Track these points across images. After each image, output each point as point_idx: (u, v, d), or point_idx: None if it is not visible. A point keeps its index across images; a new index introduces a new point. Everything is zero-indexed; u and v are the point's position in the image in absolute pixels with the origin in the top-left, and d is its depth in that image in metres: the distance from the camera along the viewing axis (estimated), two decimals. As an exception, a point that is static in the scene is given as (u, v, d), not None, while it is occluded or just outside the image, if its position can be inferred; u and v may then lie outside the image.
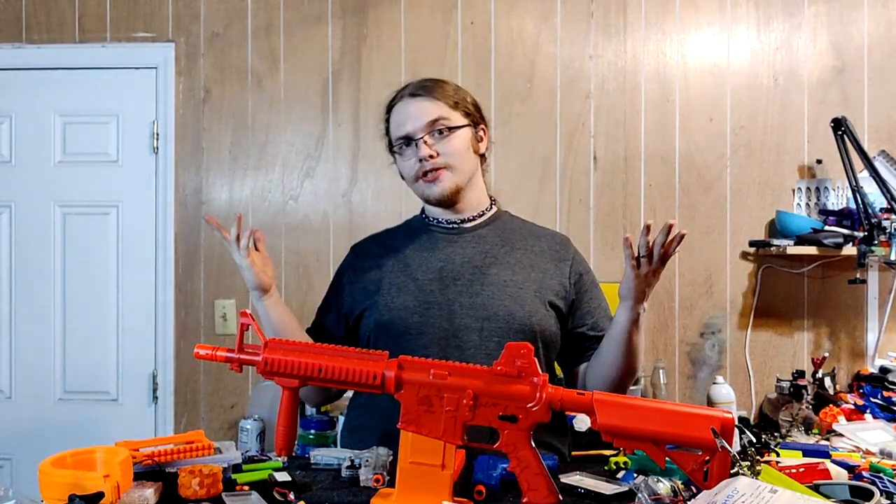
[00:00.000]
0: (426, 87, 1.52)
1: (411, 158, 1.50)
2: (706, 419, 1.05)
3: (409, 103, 1.51)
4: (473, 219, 1.56)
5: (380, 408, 1.44)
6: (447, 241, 1.54)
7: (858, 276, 2.44)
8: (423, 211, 1.61)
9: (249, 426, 2.34)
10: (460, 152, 1.50)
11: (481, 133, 1.57)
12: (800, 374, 2.46)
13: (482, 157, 1.58)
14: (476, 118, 1.55)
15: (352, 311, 1.55)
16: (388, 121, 1.57)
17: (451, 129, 1.49)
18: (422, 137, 1.48)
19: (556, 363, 1.58)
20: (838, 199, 2.73)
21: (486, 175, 1.63)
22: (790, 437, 2.17)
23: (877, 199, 2.53)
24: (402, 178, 1.59)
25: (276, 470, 1.25)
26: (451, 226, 1.55)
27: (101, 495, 1.02)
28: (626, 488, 1.16)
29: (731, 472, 1.04)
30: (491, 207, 1.59)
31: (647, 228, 1.28)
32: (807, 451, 1.42)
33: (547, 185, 2.84)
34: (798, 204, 2.78)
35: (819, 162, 2.77)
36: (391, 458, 1.23)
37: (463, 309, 1.46)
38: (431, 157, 1.47)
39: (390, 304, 1.48)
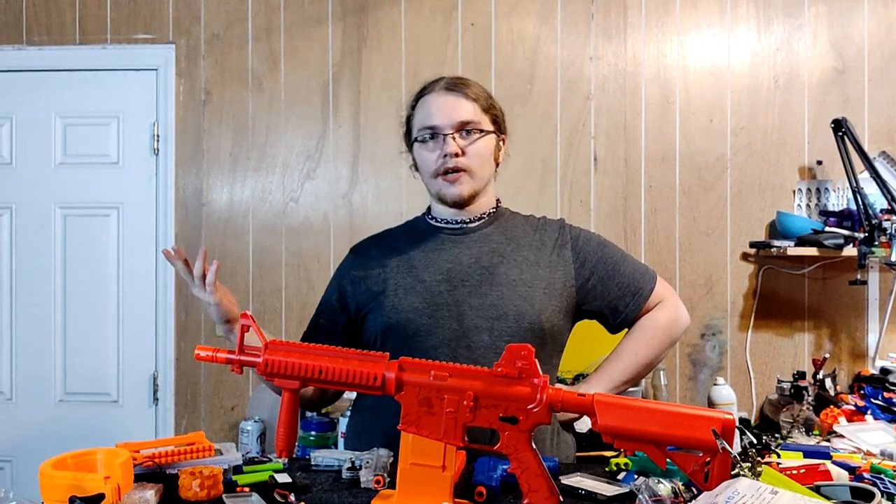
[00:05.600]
0: (462, 85, 1.50)
1: (434, 152, 1.48)
2: (707, 420, 1.05)
3: (444, 96, 1.48)
4: (479, 218, 1.55)
5: (385, 410, 1.43)
6: (453, 242, 1.53)
7: (859, 277, 2.44)
8: (428, 210, 1.60)
9: (250, 427, 2.35)
10: (484, 157, 1.50)
11: (501, 143, 1.57)
12: (800, 375, 2.46)
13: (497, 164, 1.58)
14: (501, 126, 1.55)
15: (357, 313, 1.54)
16: (413, 109, 1.54)
17: (481, 131, 1.49)
18: (450, 134, 1.46)
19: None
20: (839, 200, 2.73)
21: (495, 180, 1.63)
22: (791, 438, 2.17)
23: (877, 200, 2.53)
24: (416, 169, 1.57)
25: (277, 471, 1.25)
26: (457, 226, 1.54)
27: (101, 497, 1.02)
28: (627, 489, 1.16)
29: (732, 473, 1.04)
30: (496, 207, 1.59)
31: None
32: (807, 453, 1.41)
33: (547, 186, 2.84)
34: (798, 205, 2.78)
35: (819, 163, 2.77)
36: (392, 459, 1.23)
37: (472, 310, 1.45)
38: (457, 154, 1.46)
39: (398, 306, 1.47)
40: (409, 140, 1.55)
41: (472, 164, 1.48)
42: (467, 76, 1.62)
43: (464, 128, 1.47)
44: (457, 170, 1.47)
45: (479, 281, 1.47)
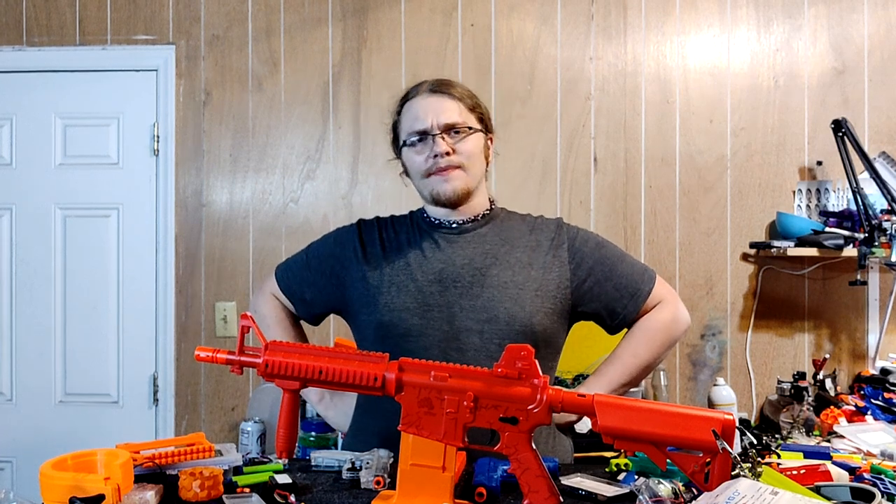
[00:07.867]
0: (446, 85, 1.51)
1: (423, 153, 1.48)
2: (707, 421, 1.05)
3: (429, 99, 1.49)
4: (474, 219, 1.55)
5: (383, 410, 1.44)
6: (447, 242, 1.52)
7: (859, 277, 2.44)
8: (423, 210, 1.59)
9: (250, 428, 2.35)
10: (474, 154, 1.50)
11: (489, 141, 1.57)
12: (800, 375, 2.46)
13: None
14: (488, 126, 1.56)
15: (348, 302, 1.54)
16: (398, 114, 1.54)
17: (469, 128, 1.49)
18: (439, 134, 1.46)
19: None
20: (839, 200, 2.73)
21: (487, 180, 1.63)
22: (791, 438, 2.18)
23: (877, 201, 2.53)
24: (407, 174, 1.57)
25: (277, 472, 1.25)
26: (452, 225, 1.54)
27: (101, 498, 1.02)
28: (627, 490, 1.16)
29: (732, 473, 1.04)
30: (490, 209, 1.58)
31: None
32: (808, 453, 1.41)
33: (547, 186, 2.84)
34: (798, 205, 2.78)
35: (819, 163, 2.77)
36: (392, 460, 1.23)
37: (463, 311, 1.45)
38: (447, 153, 1.46)
39: (390, 305, 1.47)
40: (398, 146, 1.56)
41: (463, 161, 1.48)
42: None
43: (451, 128, 1.47)
44: (449, 167, 1.47)
45: (470, 283, 1.47)
